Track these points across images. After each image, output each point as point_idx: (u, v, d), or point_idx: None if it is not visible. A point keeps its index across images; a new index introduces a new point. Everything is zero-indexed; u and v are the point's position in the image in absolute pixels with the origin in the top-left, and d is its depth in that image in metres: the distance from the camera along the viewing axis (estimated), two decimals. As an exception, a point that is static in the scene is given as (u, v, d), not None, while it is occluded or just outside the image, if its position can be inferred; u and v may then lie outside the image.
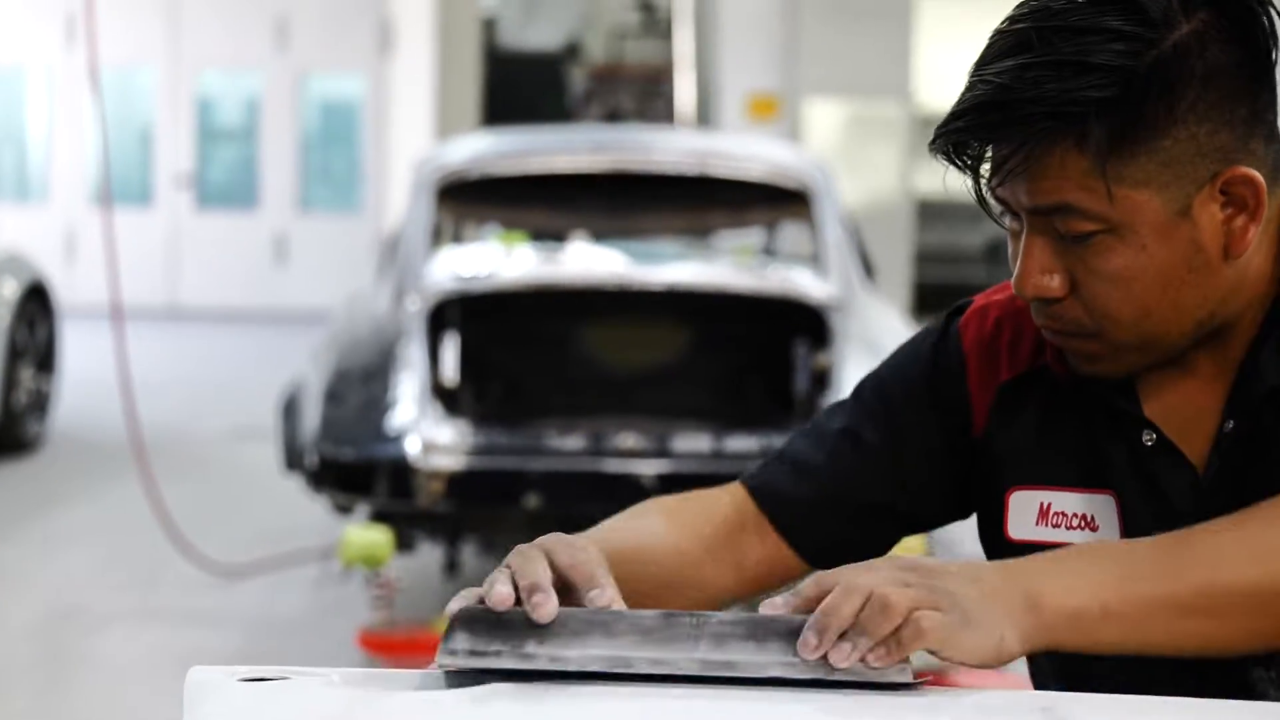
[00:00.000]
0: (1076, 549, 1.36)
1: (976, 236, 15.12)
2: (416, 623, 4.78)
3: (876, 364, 1.70)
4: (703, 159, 5.83)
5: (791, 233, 7.46)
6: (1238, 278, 1.43)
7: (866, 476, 1.62)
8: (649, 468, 4.72)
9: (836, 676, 1.26)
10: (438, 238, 5.90)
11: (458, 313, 5.30)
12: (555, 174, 5.91)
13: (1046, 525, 1.53)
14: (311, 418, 4.90)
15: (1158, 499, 1.48)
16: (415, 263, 5.36)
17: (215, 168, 15.97)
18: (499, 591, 1.31)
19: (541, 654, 1.28)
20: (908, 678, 1.26)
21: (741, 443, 4.78)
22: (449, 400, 5.07)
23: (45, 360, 8.68)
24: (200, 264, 15.38)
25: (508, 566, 1.35)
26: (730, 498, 1.64)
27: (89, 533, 6.83)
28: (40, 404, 8.57)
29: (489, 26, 17.82)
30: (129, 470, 7.18)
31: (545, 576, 1.33)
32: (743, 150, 6.23)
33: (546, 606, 1.30)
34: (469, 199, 6.18)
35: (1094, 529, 1.51)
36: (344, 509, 5.19)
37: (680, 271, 5.52)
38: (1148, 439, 1.49)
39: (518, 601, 1.31)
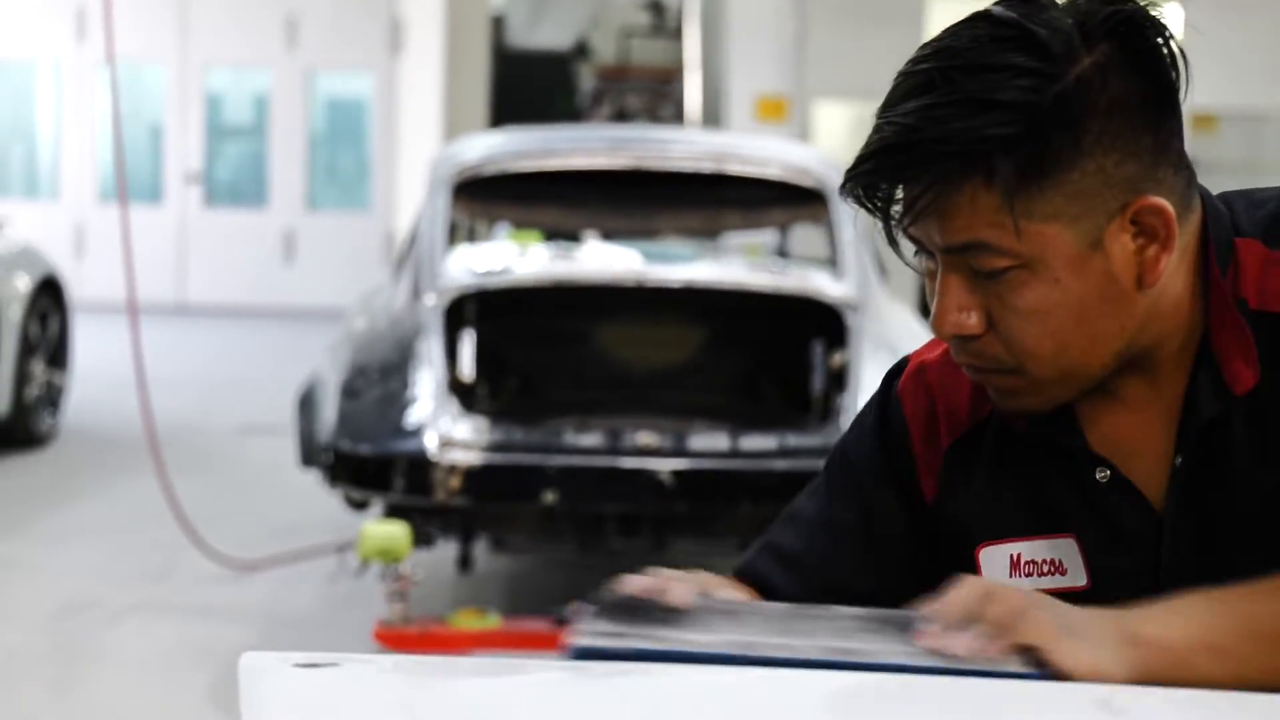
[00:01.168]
0: (1171, 601, 1.36)
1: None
2: (432, 618, 4.79)
3: (894, 363, 1.71)
4: (720, 158, 5.82)
5: (802, 234, 7.46)
6: (1153, 306, 1.43)
7: (846, 563, 1.63)
8: (666, 465, 4.71)
9: (954, 665, 1.28)
10: (453, 235, 5.90)
11: (474, 309, 5.29)
12: (571, 172, 5.89)
13: (1020, 575, 1.54)
14: (329, 413, 4.90)
15: (1115, 536, 1.50)
16: (432, 259, 5.35)
17: (224, 165, 15.99)
18: (634, 580, 1.37)
19: (672, 637, 1.32)
20: (1023, 669, 1.28)
21: (758, 442, 4.78)
22: (465, 396, 5.07)
23: (57, 354, 8.69)
24: (208, 261, 15.40)
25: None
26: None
27: (101, 526, 6.83)
28: (52, 398, 8.58)
29: (498, 25, 17.81)
30: (140, 464, 7.19)
31: (677, 574, 1.41)
32: (760, 150, 6.22)
33: (680, 592, 1.36)
34: (484, 197, 6.17)
35: (1063, 572, 1.52)
36: (359, 504, 5.19)
37: (697, 270, 5.51)
38: (1101, 475, 1.49)
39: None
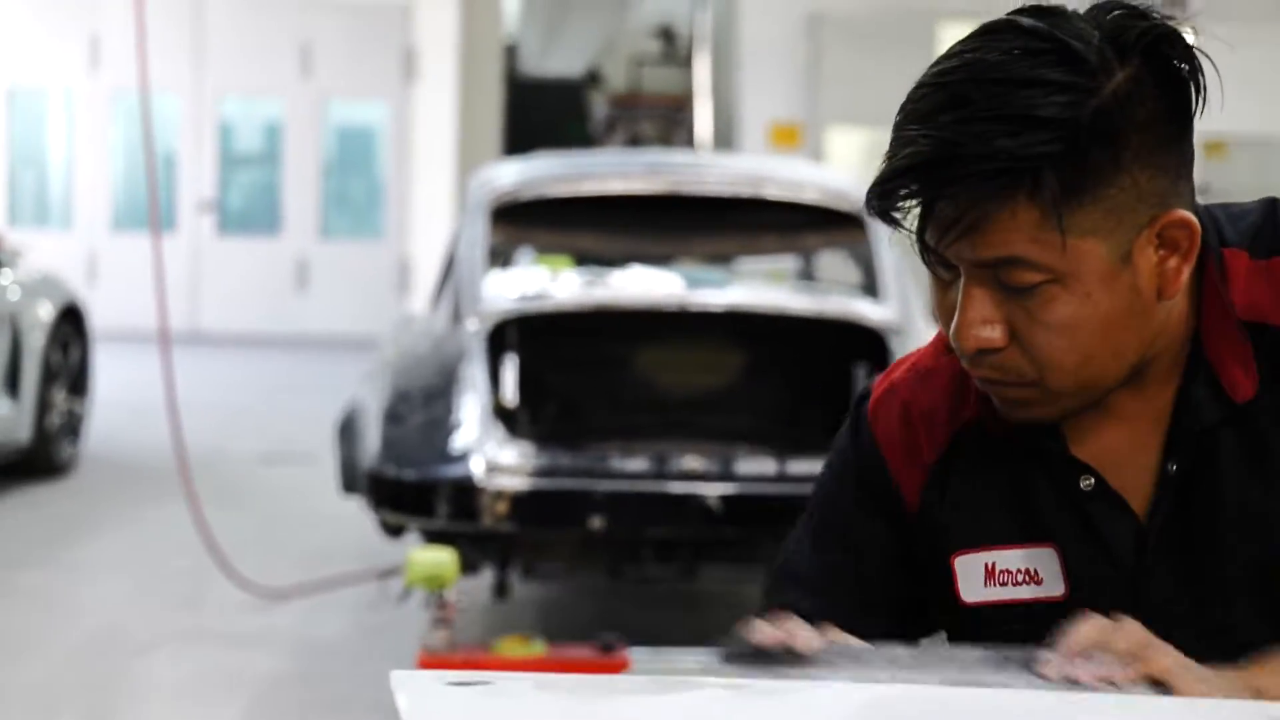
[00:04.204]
0: None
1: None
2: (476, 644, 4.75)
3: (860, 390, 1.70)
4: (757, 183, 5.80)
5: (829, 259, 7.43)
6: (1166, 318, 1.44)
7: (851, 604, 1.62)
8: (713, 490, 4.68)
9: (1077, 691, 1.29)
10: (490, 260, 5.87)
11: (515, 334, 5.26)
12: (606, 196, 5.87)
13: (995, 585, 1.54)
14: (372, 439, 4.87)
15: (1098, 545, 1.49)
16: (472, 284, 5.32)
17: (237, 193, 15.99)
18: (763, 630, 1.37)
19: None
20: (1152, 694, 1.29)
21: (804, 466, 4.74)
22: (507, 421, 5.04)
23: (77, 383, 8.65)
24: (221, 289, 15.38)
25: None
26: None
27: (127, 556, 6.79)
28: (73, 426, 8.54)
29: (511, 54, 17.84)
30: (162, 493, 7.15)
31: (800, 622, 1.40)
32: (796, 174, 6.19)
33: (808, 638, 1.36)
34: (519, 222, 6.15)
35: (1038, 582, 1.52)
36: (395, 530, 5.15)
37: (739, 294, 5.49)
38: (1085, 483, 1.49)
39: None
